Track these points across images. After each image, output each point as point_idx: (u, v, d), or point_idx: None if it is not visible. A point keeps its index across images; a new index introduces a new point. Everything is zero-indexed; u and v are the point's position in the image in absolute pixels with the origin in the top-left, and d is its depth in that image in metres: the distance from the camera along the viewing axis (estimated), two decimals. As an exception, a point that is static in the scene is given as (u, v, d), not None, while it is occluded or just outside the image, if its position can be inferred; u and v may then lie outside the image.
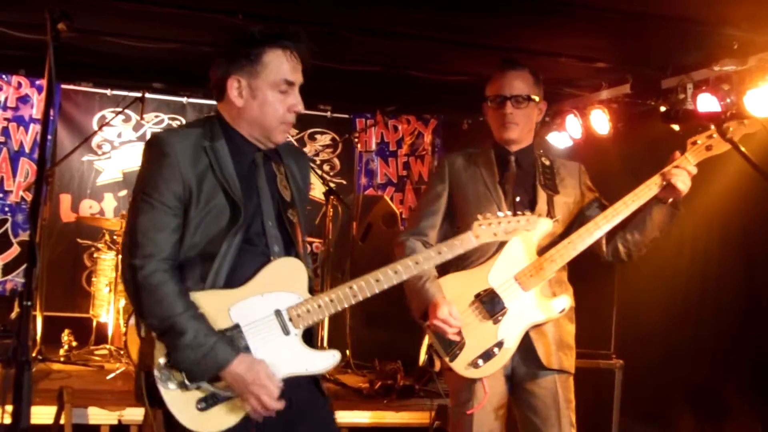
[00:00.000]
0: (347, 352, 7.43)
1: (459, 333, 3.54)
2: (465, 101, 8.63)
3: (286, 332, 2.82)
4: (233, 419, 2.75)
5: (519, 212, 3.03)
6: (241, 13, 5.68)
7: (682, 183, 3.52)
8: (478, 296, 3.60)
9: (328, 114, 9.18)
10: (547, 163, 3.86)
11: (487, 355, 3.56)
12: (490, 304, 3.58)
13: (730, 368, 5.99)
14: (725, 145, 3.42)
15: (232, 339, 2.75)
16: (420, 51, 6.73)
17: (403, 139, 9.43)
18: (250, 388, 2.69)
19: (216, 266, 2.78)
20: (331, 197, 7.54)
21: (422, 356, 7.29)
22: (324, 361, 2.89)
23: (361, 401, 6.37)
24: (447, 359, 3.62)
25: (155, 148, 2.81)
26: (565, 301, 3.66)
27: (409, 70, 7.19)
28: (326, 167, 9.34)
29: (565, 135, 7.57)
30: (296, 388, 2.86)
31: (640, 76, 6.90)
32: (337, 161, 9.42)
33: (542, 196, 3.74)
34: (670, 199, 3.61)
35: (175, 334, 2.68)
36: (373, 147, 9.33)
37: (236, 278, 2.82)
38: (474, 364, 3.57)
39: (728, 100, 5.78)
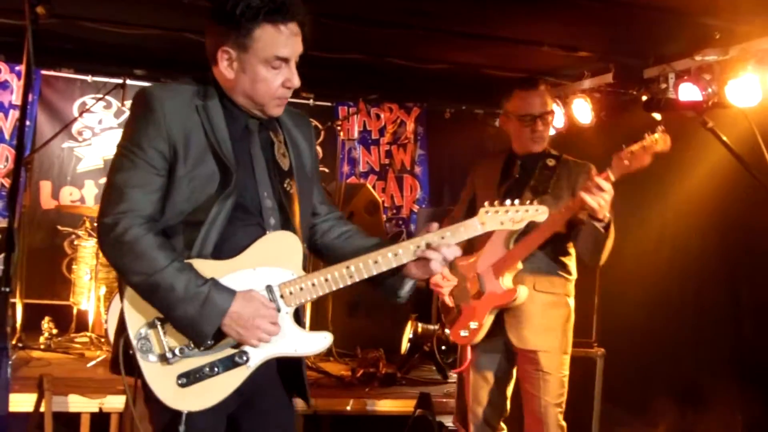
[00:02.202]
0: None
1: (456, 307, 4.27)
2: (448, 90, 8.66)
3: (277, 309, 2.68)
4: (214, 398, 2.62)
5: (528, 201, 3.00)
6: (223, -1, 5.64)
7: (593, 200, 3.74)
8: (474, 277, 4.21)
9: (311, 102, 9.14)
10: (551, 164, 4.23)
11: (469, 329, 4.19)
12: (481, 284, 4.17)
13: (710, 357, 6.03)
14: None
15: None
16: (403, 39, 6.71)
17: (386, 128, 9.42)
18: (253, 322, 2.58)
19: (203, 233, 2.62)
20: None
21: (404, 344, 7.33)
22: (315, 342, 2.75)
23: (343, 389, 6.37)
24: (448, 325, 4.38)
25: (142, 102, 2.64)
26: (521, 290, 4.07)
27: (392, 58, 7.17)
28: (309, 155, 9.29)
29: (547, 124, 7.57)
30: (260, 395, 2.79)
31: (623, 66, 6.91)
32: (319, 149, 9.39)
33: (526, 197, 3.93)
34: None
35: (164, 291, 2.52)
36: (356, 135, 9.32)
37: (226, 249, 2.66)
38: (459, 334, 4.23)
39: (710, 90, 5.80)
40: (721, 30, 5.68)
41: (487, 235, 3.89)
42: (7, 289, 2.62)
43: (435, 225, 2.82)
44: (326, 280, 2.72)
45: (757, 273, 5.70)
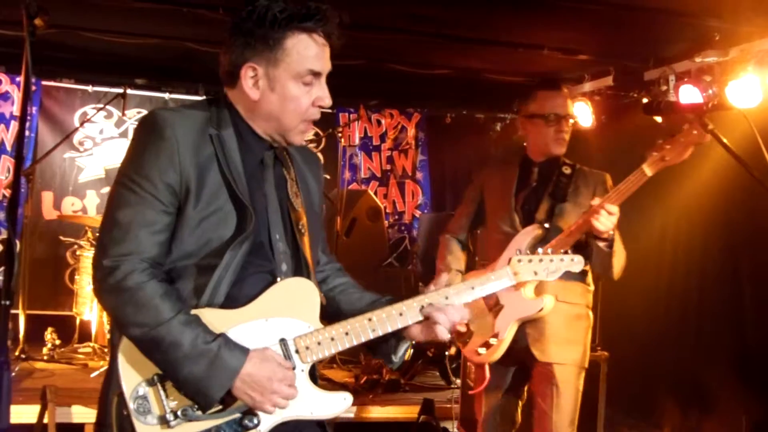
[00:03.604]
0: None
1: (466, 325, 3.71)
2: (448, 95, 8.66)
3: (292, 367, 2.41)
4: None
5: (563, 251, 2.83)
6: (221, 7, 5.65)
7: (601, 224, 3.69)
8: None
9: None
10: (568, 172, 4.15)
11: (488, 345, 4.01)
12: (490, 299, 4.00)
13: (713, 359, 6.02)
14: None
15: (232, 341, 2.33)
16: (403, 45, 6.71)
17: (387, 134, 9.42)
18: (269, 385, 2.31)
19: (215, 280, 2.35)
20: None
21: (408, 351, 7.29)
22: (333, 405, 2.49)
23: (347, 396, 6.35)
24: (461, 345, 4.20)
25: (152, 128, 2.35)
26: (547, 300, 3.94)
27: (392, 64, 7.17)
28: (310, 162, 9.29)
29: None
30: None
31: (623, 68, 6.91)
32: (320, 156, 9.40)
33: (545, 205, 4.08)
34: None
35: (168, 346, 2.24)
36: (357, 141, 9.31)
37: (237, 297, 2.39)
38: (477, 352, 4.03)
39: (710, 92, 5.79)
40: (720, 31, 5.67)
41: (500, 246, 4.04)
42: (8, 302, 2.57)
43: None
44: (346, 333, 2.46)
45: (760, 274, 5.69)
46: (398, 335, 2.59)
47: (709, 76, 5.87)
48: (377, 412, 6.02)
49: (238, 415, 2.36)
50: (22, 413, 5.03)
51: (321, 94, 2.47)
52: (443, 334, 2.53)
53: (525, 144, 4.30)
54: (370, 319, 2.48)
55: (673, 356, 6.29)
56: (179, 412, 2.30)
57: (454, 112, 9.27)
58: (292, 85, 2.42)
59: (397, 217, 9.46)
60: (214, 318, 2.34)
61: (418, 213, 9.45)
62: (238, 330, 2.36)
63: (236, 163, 2.41)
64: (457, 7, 5.76)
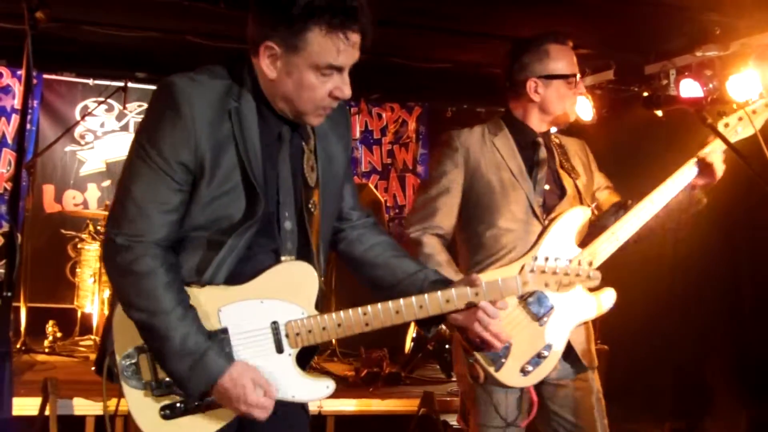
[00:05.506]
0: (333, 340, 7.42)
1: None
2: (449, 88, 8.65)
3: (280, 350, 2.40)
4: None
5: (579, 261, 2.62)
6: (223, 1, 5.65)
7: (719, 167, 3.32)
8: (521, 297, 3.21)
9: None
10: (558, 141, 3.56)
11: (537, 360, 3.22)
12: (537, 304, 3.23)
13: (714, 355, 6.03)
14: (750, 129, 3.30)
15: (222, 342, 2.35)
16: (403, 38, 6.71)
17: (387, 127, 9.42)
18: (237, 405, 2.31)
19: (219, 260, 2.36)
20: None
21: (408, 343, 7.31)
22: (315, 390, 2.47)
23: (347, 389, 6.37)
24: (492, 369, 3.19)
25: (169, 99, 2.31)
26: (612, 294, 3.35)
27: (393, 57, 7.17)
28: (311, 156, 9.30)
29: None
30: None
31: (624, 62, 6.91)
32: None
33: (569, 182, 3.45)
34: (697, 188, 3.41)
35: (160, 338, 2.28)
36: (357, 135, 9.31)
37: (239, 276, 2.40)
38: (524, 371, 3.21)
39: (711, 86, 5.81)
40: (721, 25, 5.68)
41: (517, 238, 3.32)
42: (9, 294, 2.59)
43: (479, 279, 2.50)
44: (339, 325, 2.43)
45: (760, 271, 5.70)
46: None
47: (709, 70, 5.88)
48: (377, 405, 6.02)
49: None
50: (24, 405, 5.03)
51: (340, 85, 2.36)
52: (480, 330, 2.51)
53: (516, 111, 3.50)
54: (365, 313, 2.44)
55: (674, 352, 6.29)
56: (164, 382, 2.35)
57: (455, 106, 9.27)
58: (309, 74, 2.32)
59: (397, 210, 9.46)
60: (211, 295, 2.36)
61: (418, 207, 9.44)
62: (232, 308, 2.38)
63: (253, 141, 2.37)
64: (458, 0, 5.76)
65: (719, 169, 3.33)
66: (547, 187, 3.41)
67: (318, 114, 2.41)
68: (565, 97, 3.41)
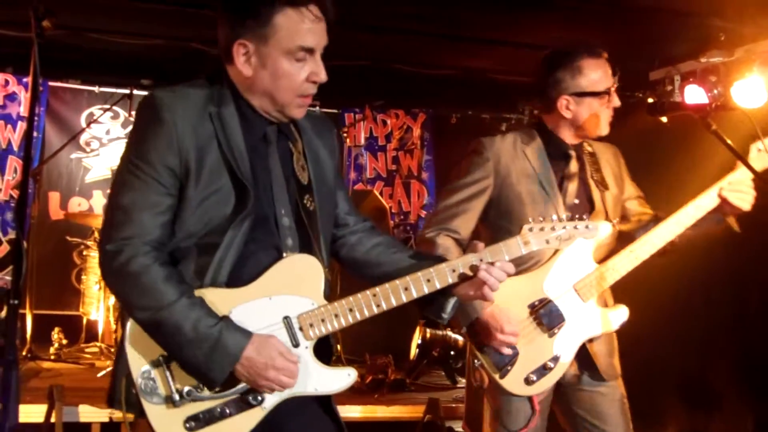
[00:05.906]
0: (338, 346, 7.42)
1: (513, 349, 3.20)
2: (453, 95, 8.66)
3: (295, 343, 2.41)
4: None
5: (577, 216, 2.67)
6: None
7: (739, 200, 3.34)
8: (533, 306, 3.25)
9: (317, 109, 9.14)
10: (590, 149, 3.51)
11: (542, 371, 3.24)
12: (548, 316, 3.23)
13: (719, 360, 6.01)
14: None
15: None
16: (408, 45, 6.73)
17: (392, 134, 9.43)
18: (266, 373, 2.32)
19: (217, 259, 2.36)
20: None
21: (413, 350, 7.31)
22: (337, 380, 2.49)
23: (352, 396, 6.36)
24: (497, 376, 3.22)
25: (151, 110, 2.35)
26: (624, 312, 3.41)
27: (398, 64, 7.19)
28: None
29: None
30: (299, 415, 2.49)
31: (628, 68, 6.89)
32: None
33: (597, 194, 3.43)
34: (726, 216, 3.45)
35: (171, 330, 2.27)
36: (362, 142, 9.33)
37: (241, 275, 2.40)
38: (527, 381, 3.23)
39: (715, 92, 5.80)
40: (726, 31, 5.68)
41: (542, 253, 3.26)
42: (16, 302, 2.60)
43: (481, 245, 2.55)
44: (350, 309, 2.46)
45: (765, 273, 5.68)
46: (445, 292, 2.57)
47: (714, 77, 5.88)
48: (382, 412, 6.02)
49: (242, 394, 2.39)
50: (30, 413, 5.04)
51: (315, 69, 2.43)
52: (490, 295, 2.52)
53: (549, 123, 3.47)
54: (374, 295, 2.47)
55: (679, 355, 6.28)
56: (184, 392, 2.34)
57: (460, 113, 9.26)
58: (283, 61, 2.39)
59: (402, 217, 9.46)
60: (217, 297, 2.36)
61: (423, 213, 9.44)
62: (241, 309, 2.39)
63: (237, 141, 2.41)
64: (461, 7, 5.77)
65: (739, 203, 3.36)
66: (576, 201, 3.40)
67: (299, 104, 2.46)
68: (597, 112, 3.38)
